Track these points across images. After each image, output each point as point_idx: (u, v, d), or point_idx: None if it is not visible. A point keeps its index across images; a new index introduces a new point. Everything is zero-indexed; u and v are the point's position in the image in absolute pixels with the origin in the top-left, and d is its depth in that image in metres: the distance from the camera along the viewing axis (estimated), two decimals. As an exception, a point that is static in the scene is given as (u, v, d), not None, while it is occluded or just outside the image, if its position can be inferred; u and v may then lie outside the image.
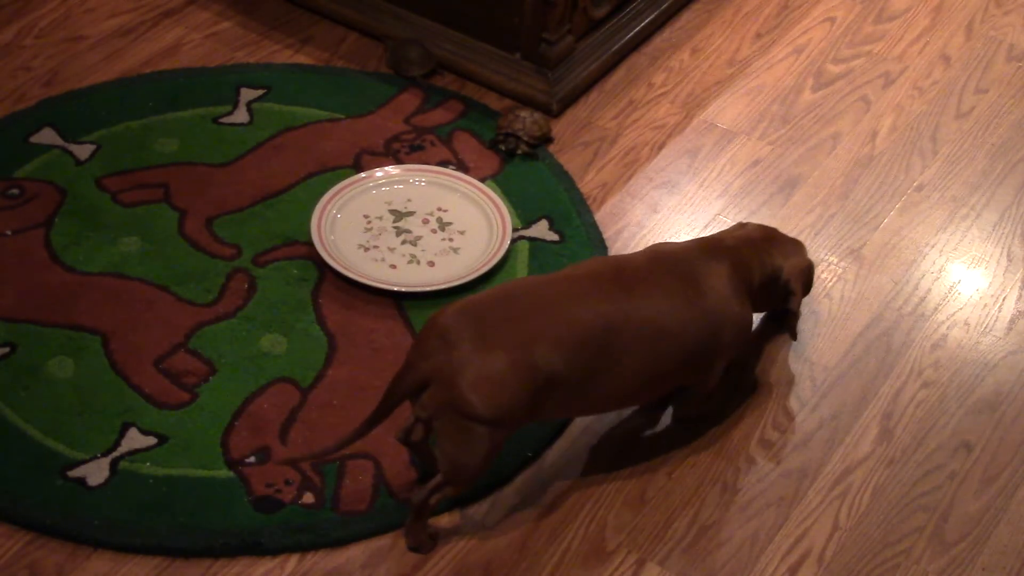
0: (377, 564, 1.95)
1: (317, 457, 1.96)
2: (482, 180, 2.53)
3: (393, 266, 2.36)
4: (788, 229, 2.45)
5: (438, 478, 1.89)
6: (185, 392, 2.14)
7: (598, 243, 2.43)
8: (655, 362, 1.95)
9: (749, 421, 2.17)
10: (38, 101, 2.63)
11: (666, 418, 2.17)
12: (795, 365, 2.26)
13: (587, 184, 2.56)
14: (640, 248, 2.45)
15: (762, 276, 2.11)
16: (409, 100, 2.70)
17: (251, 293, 2.30)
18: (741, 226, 2.19)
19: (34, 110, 2.61)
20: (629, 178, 2.58)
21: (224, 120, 2.63)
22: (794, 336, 2.22)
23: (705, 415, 2.15)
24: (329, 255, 2.33)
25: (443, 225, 2.44)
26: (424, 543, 1.95)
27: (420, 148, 2.60)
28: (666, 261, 2.02)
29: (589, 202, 2.52)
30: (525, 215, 2.49)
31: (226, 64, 2.76)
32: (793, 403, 2.21)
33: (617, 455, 2.11)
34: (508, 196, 2.51)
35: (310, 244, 2.37)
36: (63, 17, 2.86)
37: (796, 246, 2.20)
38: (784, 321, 2.23)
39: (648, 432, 2.15)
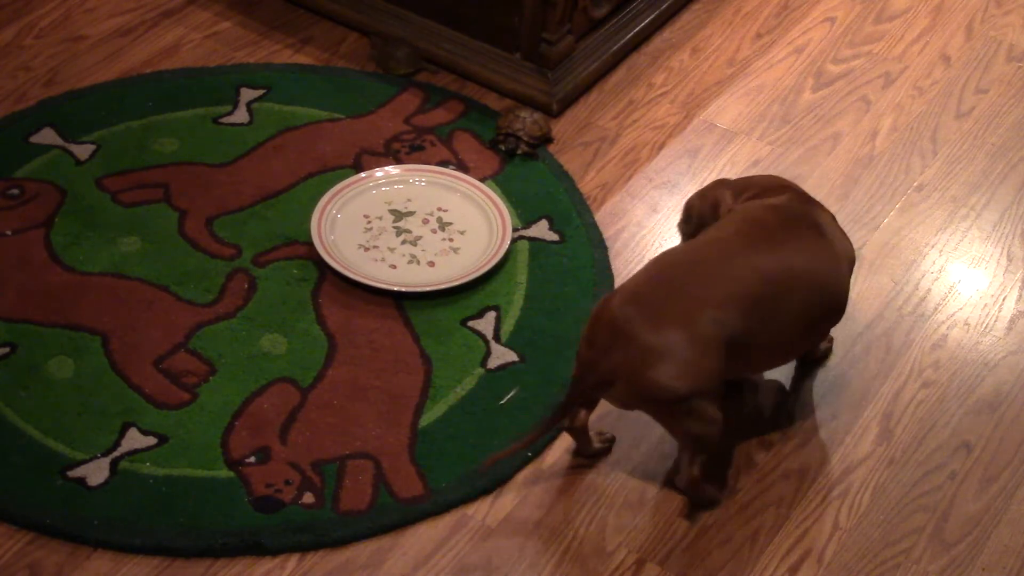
0: (377, 564, 1.95)
1: (496, 458, 1.99)
2: (482, 180, 2.53)
3: (393, 266, 2.36)
4: (788, 229, 2.45)
5: (688, 454, 1.96)
6: (185, 392, 2.14)
7: (598, 243, 2.43)
8: (810, 309, 2.01)
9: (749, 421, 2.17)
10: (38, 101, 2.64)
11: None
12: (795, 365, 2.26)
13: (587, 184, 2.56)
14: (640, 244, 2.45)
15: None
16: (409, 100, 2.70)
17: (251, 293, 2.30)
18: (768, 179, 2.21)
19: (34, 110, 2.61)
20: (629, 178, 2.58)
21: (224, 120, 2.63)
22: None
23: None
24: (329, 255, 2.33)
25: (443, 225, 2.44)
26: (713, 498, 2.03)
27: (420, 148, 2.60)
28: (790, 213, 2.06)
29: (589, 202, 2.52)
30: (525, 215, 2.48)
31: (226, 64, 2.76)
32: (793, 404, 2.21)
33: (617, 455, 2.11)
34: (508, 196, 2.51)
35: (310, 244, 2.37)
36: (63, 17, 2.86)
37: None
38: None
39: (647, 432, 2.15)
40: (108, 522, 1.95)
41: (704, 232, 2.07)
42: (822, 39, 2.97)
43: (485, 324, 2.28)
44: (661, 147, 2.66)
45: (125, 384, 2.14)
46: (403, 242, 2.40)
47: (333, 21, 2.89)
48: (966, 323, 2.36)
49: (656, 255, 2.04)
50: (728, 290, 1.92)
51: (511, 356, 2.23)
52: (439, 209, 2.47)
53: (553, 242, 2.44)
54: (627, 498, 2.05)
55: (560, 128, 2.69)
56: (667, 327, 1.87)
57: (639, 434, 2.14)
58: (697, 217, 2.21)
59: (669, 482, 2.07)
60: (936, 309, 2.39)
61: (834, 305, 2.06)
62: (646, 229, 2.49)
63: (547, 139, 2.64)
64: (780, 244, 2.00)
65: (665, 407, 1.90)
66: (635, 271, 2.18)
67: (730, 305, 1.91)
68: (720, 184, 2.22)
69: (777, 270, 1.97)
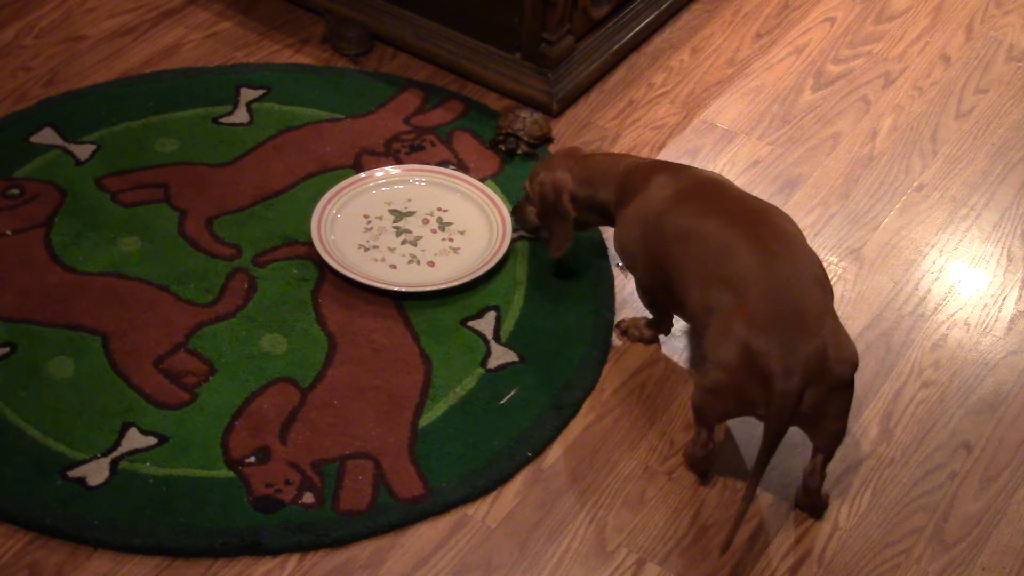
0: (377, 564, 1.95)
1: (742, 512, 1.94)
2: (482, 180, 2.53)
3: (393, 266, 2.36)
4: (788, 229, 2.45)
5: (821, 456, 1.99)
6: (185, 392, 2.14)
7: (598, 243, 2.43)
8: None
9: (749, 422, 2.17)
10: (38, 101, 2.64)
11: (664, 416, 2.17)
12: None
13: (587, 184, 2.56)
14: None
15: None
16: (409, 100, 2.71)
17: (251, 293, 2.30)
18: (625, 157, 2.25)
19: (34, 110, 2.61)
20: (629, 178, 2.58)
21: (224, 120, 2.63)
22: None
23: None
24: (329, 255, 2.33)
25: (443, 225, 2.44)
26: (824, 504, 2.05)
27: (420, 148, 2.60)
28: (714, 181, 2.15)
29: (589, 202, 2.52)
30: (525, 215, 2.48)
31: (226, 64, 2.76)
32: (793, 403, 2.21)
33: (617, 455, 2.11)
34: (508, 196, 2.51)
35: (310, 244, 2.37)
36: (63, 17, 2.87)
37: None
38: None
39: (647, 432, 2.15)
40: (108, 522, 1.95)
41: (716, 246, 2.00)
42: (822, 39, 2.97)
43: (485, 324, 2.28)
44: (661, 147, 2.66)
45: (125, 384, 2.14)
46: (403, 242, 2.40)
47: (333, 21, 2.90)
48: (966, 323, 2.36)
49: (727, 278, 1.96)
50: (812, 260, 1.98)
51: (511, 356, 2.23)
52: (439, 209, 2.47)
53: (553, 242, 2.44)
54: (627, 498, 2.05)
55: (560, 128, 2.69)
56: (818, 321, 1.89)
57: (639, 435, 2.14)
58: (539, 199, 2.27)
59: (667, 482, 2.07)
60: (936, 309, 2.39)
61: None
62: (646, 229, 2.49)
63: (547, 139, 2.64)
64: (756, 206, 2.07)
65: (837, 396, 1.92)
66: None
67: (823, 275, 1.98)
68: (559, 168, 2.25)
69: (787, 223, 2.04)
